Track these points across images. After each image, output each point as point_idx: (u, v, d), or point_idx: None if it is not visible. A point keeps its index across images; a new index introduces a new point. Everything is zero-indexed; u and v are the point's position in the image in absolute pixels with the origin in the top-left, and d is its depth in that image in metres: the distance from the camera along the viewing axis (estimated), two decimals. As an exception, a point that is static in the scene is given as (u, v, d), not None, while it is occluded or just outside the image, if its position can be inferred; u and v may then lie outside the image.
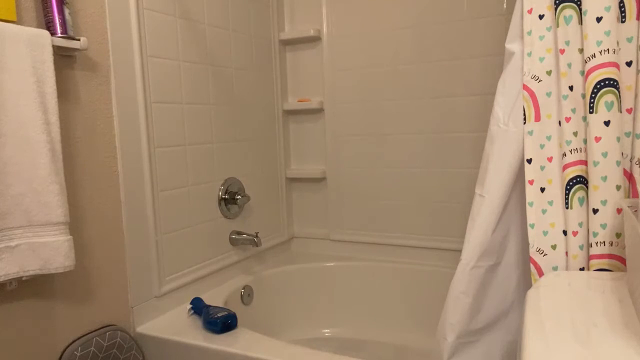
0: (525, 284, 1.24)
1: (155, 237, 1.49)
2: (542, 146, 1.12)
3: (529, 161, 1.13)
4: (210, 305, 1.47)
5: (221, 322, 1.35)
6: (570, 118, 1.07)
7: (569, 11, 1.05)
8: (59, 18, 1.14)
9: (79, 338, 1.26)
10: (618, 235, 1.02)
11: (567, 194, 1.08)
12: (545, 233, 1.12)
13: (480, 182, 1.21)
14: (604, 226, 1.02)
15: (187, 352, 1.33)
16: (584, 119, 1.06)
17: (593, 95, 1.01)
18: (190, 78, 1.63)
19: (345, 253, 2.12)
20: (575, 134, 1.07)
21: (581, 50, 1.05)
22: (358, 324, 1.99)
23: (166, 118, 1.53)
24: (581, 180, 1.06)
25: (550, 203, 1.12)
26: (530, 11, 1.12)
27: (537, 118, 1.12)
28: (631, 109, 1.03)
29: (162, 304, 1.52)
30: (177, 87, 1.57)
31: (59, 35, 1.15)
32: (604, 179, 1.01)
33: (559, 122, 1.10)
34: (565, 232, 1.10)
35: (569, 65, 1.07)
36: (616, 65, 1.00)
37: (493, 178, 1.18)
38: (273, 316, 1.91)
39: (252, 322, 1.63)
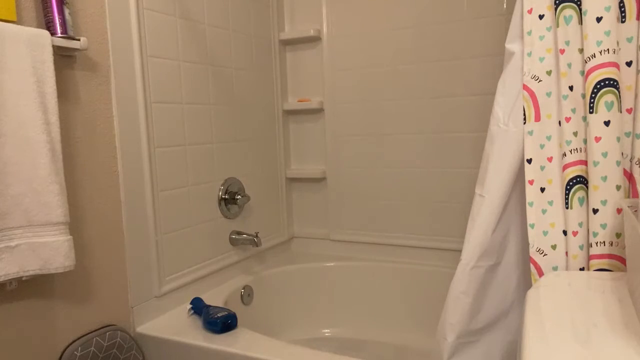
0: (525, 284, 1.24)
1: (155, 237, 1.49)
2: (542, 146, 1.12)
3: (529, 161, 1.13)
4: (210, 305, 1.47)
5: (221, 322, 1.35)
6: (570, 118, 1.07)
7: (569, 11, 1.05)
8: (59, 18, 1.14)
9: (79, 338, 1.26)
10: (618, 235, 1.02)
11: (567, 194, 1.08)
12: (545, 233, 1.12)
13: (480, 182, 1.21)
14: (604, 226, 1.02)
15: (187, 352, 1.33)
16: (584, 119, 1.06)
17: (593, 95, 1.01)
18: (190, 78, 1.63)
19: (345, 253, 2.12)
20: (575, 134, 1.07)
21: (581, 50, 1.05)
22: (358, 324, 1.99)
23: (166, 118, 1.53)
24: (581, 180, 1.06)
25: (550, 203, 1.12)
26: (530, 11, 1.12)
27: (537, 118, 1.12)
28: (631, 109, 1.03)
29: (162, 304, 1.52)
30: (177, 87, 1.57)
31: (59, 35, 1.15)
32: (604, 179, 1.01)
33: (559, 122, 1.10)
34: (565, 232, 1.10)
35: (569, 65, 1.07)
36: (616, 65, 1.00)
37: (493, 178, 1.18)
38: (273, 316, 1.91)
39: (252, 322, 1.63)
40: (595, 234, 1.03)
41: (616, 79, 1.00)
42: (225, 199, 1.78)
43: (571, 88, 1.07)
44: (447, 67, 1.84)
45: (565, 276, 1.02)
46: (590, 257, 1.05)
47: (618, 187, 1.01)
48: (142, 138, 1.44)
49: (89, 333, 1.28)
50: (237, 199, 1.80)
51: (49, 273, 1.11)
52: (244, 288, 1.78)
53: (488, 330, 1.26)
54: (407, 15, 1.89)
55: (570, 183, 1.07)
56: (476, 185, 1.23)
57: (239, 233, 1.84)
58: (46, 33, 1.10)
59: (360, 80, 2.01)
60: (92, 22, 1.29)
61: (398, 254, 2.01)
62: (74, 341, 1.25)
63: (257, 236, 1.80)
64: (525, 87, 1.13)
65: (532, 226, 1.13)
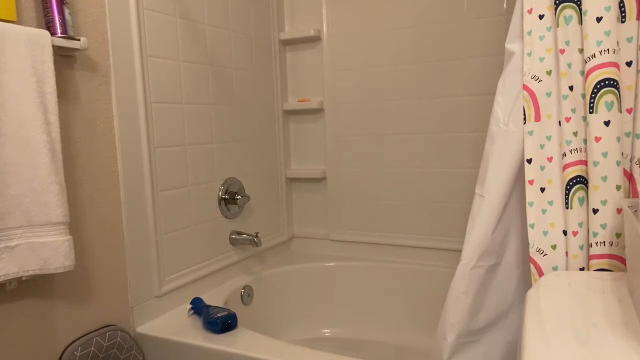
0: (525, 284, 1.24)
1: (155, 237, 1.49)
2: (542, 146, 1.12)
3: (529, 161, 1.13)
4: (210, 305, 1.47)
5: (221, 322, 1.35)
6: (570, 118, 1.07)
7: (569, 11, 1.05)
8: (59, 18, 1.14)
9: (79, 338, 1.26)
10: (618, 235, 1.02)
11: (567, 194, 1.08)
12: (545, 233, 1.12)
13: (480, 182, 1.21)
14: (604, 226, 1.02)
15: (187, 352, 1.33)
16: (584, 119, 1.06)
17: (593, 95, 1.01)
18: (190, 78, 1.63)
19: (345, 253, 2.12)
20: (575, 134, 1.07)
21: (581, 50, 1.05)
22: (358, 324, 1.99)
23: (166, 118, 1.53)
24: (581, 180, 1.06)
25: (550, 203, 1.12)
26: (530, 11, 1.12)
27: (537, 118, 1.12)
28: (631, 109, 1.03)
29: (162, 304, 1.52)
30: (177, 87, 1.57)
31: (59, 35, 1.15)
32: (604, 179, 1.01)
33: (559, 122, 1.10)
34: (565, 232, 1.10)
35: (569, 65, 1.07)
36: (616, 65, 1.00)
37: (493, 178, 1.18)
38: (273, 316, 1.91)
39: (252, 322, 1.63)
40: (595, 234, 1.03)
41: (616, 79, 1.00)
42: (225, 199, 1.78)
43: (571, 88, 1.07)
44: (447, 67, 1.84)
45: (565, 276, 1.02)
46: (590, 257, 1.05)
47: (618, 187, 1.01)
48: (142, 138, 1.44)
49: (89, 333, 1.28)
50: (237, 199, 1.80)
51: (48, 273, 1.11)
52: (244, 288, 1.78)
53: (488, 330, 1.26)
54: (407, 15, 1.89)
55: (570, 183, 1.07)
56: (476, 185, 1.23)
57: (239, 233, 1.84)
58: (46, 33, 1.10)
59: (360, 80, 2.01)
60: (92, 22, 1.29)
61: (398, 254, 2.01)
62: (74, 341, 1.25)
63: (257, 236, 1.80)
64: (525, 87, 1.13)
65: (532, 226, 1.13)
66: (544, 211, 1.12)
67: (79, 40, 1.18)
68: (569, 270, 1.09)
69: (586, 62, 1.02)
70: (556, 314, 0.81)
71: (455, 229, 1.86)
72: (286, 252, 2.20)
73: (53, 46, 1.11)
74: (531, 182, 1.13)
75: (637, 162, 1.02)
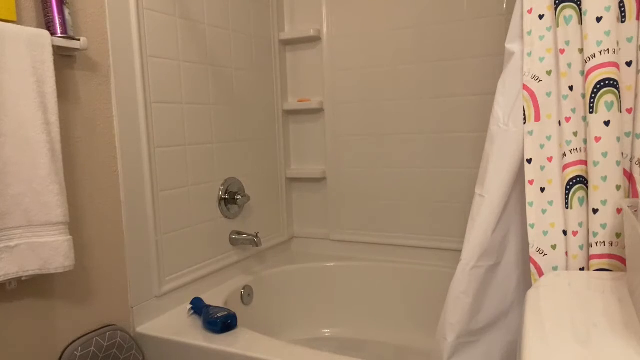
0: (525, 284, 1.24)
1: (155, 237, 1.49)
2: (542, 146, 1.12)
3: (529, 161, 1.13)
4: (210, 305, 1.47)
5: (221, 322, 1.35)
6: (570, 118, 1.07)
7: (569, 11, 1.05)
8: (59, 18, 1.14)
9: (79, 338, 1.26)
10: (618, 235, 1.02)
11: (567, 194, 1.08)
12: (545, 233, 1.12)
13: (480, 182, 1.21)
14: (604, 226, 1.02)
15: (187, 352, 1.33)
16: (584, 119, 1.06)
17: (593, 95, 1.01)
18: (190, 78, 1.63)
19: (345, 253, 2.12)
20: (575, 134, 1.07)
21: (581, 50, 1.05)
22: (358, 324, 1.99)
23: (166, 118, 1.53)
24: (581, 180, 1.06)
25: (550, 203, 1.12)
26: (530, 11, 1.12)
27: (537, 118, 1.12)
28: (631, 109, 1.03)
29: (162, 304, 1.52)
30: (177, 87, 1.57)
31: (59, 35, 1.15)
32: (604, 179, 1.01)
33: (559, 122, 1.10)
34: (565, 232, 1.10)
35: (569, 65, 1.07)
36: (616, 65, 1.00)
37: (493, 178, 1.18)
38: (273, 316, 1.91)
39: (252, 322, 1.63)
40: (595, 234, 1.03)
41: (616, 79, 1.00)
42: (225, 199, 1.78)
43: (571, 88, 1.07)
44: (447, 67, 1.84)
45: (565, 276, 1.02)
46: (590, 257, 1.05)
47: (618, 187, 1.01)
48: (142, 138, 1.44)
49: (89, 333, 1.28)
50: (237, 199, 1.80)
51: (48, 273, 1.11)
52: (244, 288, 1.78)
53: (488, 330, 1.26)
54: (407, 15, 1.89)
55: (570, 183, 1.07)
56: (476, 185, 1.23)
57: (239, 233, 1.84)
58: (46, 33, 1.10)
59: (360, 80, 2.01)
60: (92, 22, 1.29)
61: (398, 254, 2.01)
62: (74, 341, 1.25)
63: (257, 236, 1.80)
64: (525, 87, 1.13)
65: (532, 226, 1.13)
66: (544, 211, 1.12)
67: (79, 40, 1.18)
68: (569, 270, 1.09)
69: (586, 62, 1.02)
70: (556, 314, 0.81)
71: (455, 229, 1.86)
72: (286, 252, 2.20)
73: (53, 46, 1.11)
74: (531, 182, 1.13)
75: (637, 162, 1.02)
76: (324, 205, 2.17)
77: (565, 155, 1.08)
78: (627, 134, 1.04)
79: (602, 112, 1.01)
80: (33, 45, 1.07)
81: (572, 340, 0.71)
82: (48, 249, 1.09)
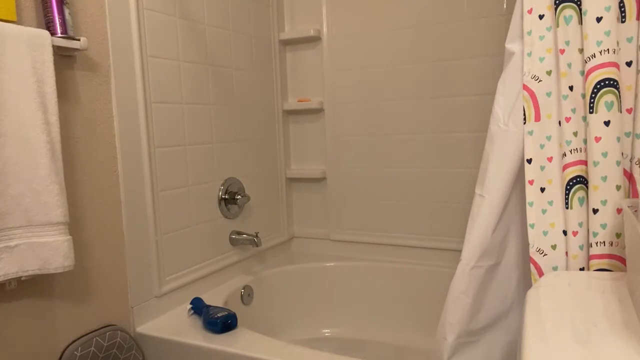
0: (525, 284, 1.24)
1: (155, 237, 1.49)
2: (542, 146, 1.12)
3: (529, 161, 1.13)
4: (210, 305, 1.47)
5: (221, 322, 1.35)
6: (570, 118, 1.07)
7: (569, 11, 1.05)
8: (59, 18, 1.14)
9: (79, 338, 1.26)
10: (618, 235, 1.02)
11: (567, 194, 1.08)
12: (545, 233, 1.12)
13: (480, 182, 1.21)
14: (604, 226, 1.02)
15: (187, 352, 1.33)
16: (584, 119, 1.06)
17: (593, 95, 1.01)
18: (190, 78, 1.63)
19: (345, 253, 2.12)
20: (575, 134, 1.07)
21: (581, 50, 1.05)
22: (358, 324, 1.99)
23: (166, 118, 1.53)
24: (581, 180, 1.06)
25: (550, 203, 1.12)
26: (530, 11, 1.12)
27: (537, 118, 1.12)
28: (631, 109, 1.03)
29: (162, 304, 1.52)
30: (177, 87, 1.57)
31: (59, 35, 1.15)
32: (604, 179, 1.01)
33: (559, 122, 1.10)
34: (565, 232, 1.10)
35: (569, 65, 1.07)
36: (616, 65, 1.00)
37: (493, 178, 1.18)
38: (273, 316, 1.91)
39: (252, 322, 1.63)
40: (595, 234, 1.03)
41: (616, 79, 1.00)
42: (225, 199, 1.78)
43: (571, 88, 1.07)
44: (447, 67, 1.84)
45: (565, 276, 1.02)
46: (590, 257, 1.05)
47: (618, 187, 1.01)
48: (142, 138, 1.44)
49: (89, 333, 1.28)
50: (237, 199, 1.80)
51: (48, 273, 1.11)
52: (244, 288, 1.78)
53: (488, 330, 1.26)
54: (407, 15, 1.89)
55: (570, 183, 1.07)
56: (476, 185, 1.23)
57: (239, 233, 1.84)
58: (46, 33, 1.10)
59: (360, 80, 2.01)
60: (92, 22, 1.29)
61: (398, 254, 2.01)
62: (74, 341, 1.25)
63: (257, 236, 1.80)
64: (525, 87, 1.13)
65: (532, 226, 1.13)
66: (544, 211, 1.12)
67: (79, 40, 1.18)
68: (569, 270, 1.09)
69: (586, 62, 1.02)
70: (556, 314, 0.81)
71: (455, 229, 1.86)
72: (286, 252, 2.20)
73: (53, 46, 1.11)
74: (531, 182, 1.13)
75: (637, 162, 1.02)
76: (324, 205, 2.17)
77: (565, 155, 1.08)
78: (627, 134, 1.04)
79: (602, 112, 1.01)
80: (33, 45, 1.07)
81: (572, 340, 0.71)
82: (48, 249, 1.09)
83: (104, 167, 1.33)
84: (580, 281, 0.97)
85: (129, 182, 1.40)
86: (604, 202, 1.02)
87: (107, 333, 1.30)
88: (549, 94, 1.11)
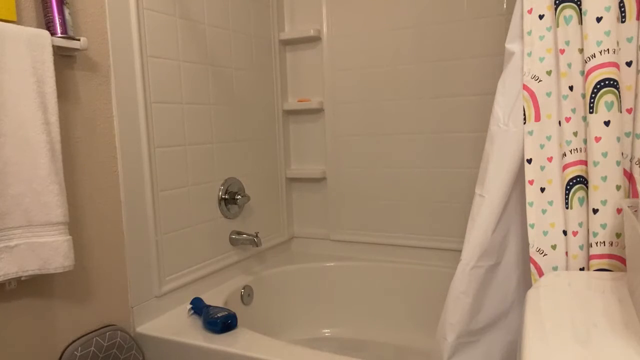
0: (525, 284, 1.24)
1: (155, 237, 1.49)
2: (542, 146, 1.12)
3: (529, 161, 1.13)
4: (210, 305, 1.47)
5: (221, 322, 1.35)
6: (570, 118, 1.07)
7: (569, 11, 1.05)
8: (59, 18, 1.14)
9: (79, 338, 1.26)
10: (618, 235, 1.02)
11: (567, 194, 1.08)
12: (545, 233, 1.12)
13: (480, 182, 1.21)
14: (604, 226, 1.02)
15: (187, 352, 1.33)
16: (584, 119, 1.06)
17: (593, 95, 1.01)
18: (190, 78, 1.63)
19: (345, 253, 2.12)
20: (575, 134, 1.07)
21: (581, 50, 1.05)
22: (358, 324, 1.99)
23: (166, 118, 1.53)
24: (581, 180, 1.06)
25: (550, 203, 1.12)
26: (530, 11, 1.12)
27: (537, 118, 1.12)
28: (631, 109, 1.03)
29: (162, 304, 1.52)
30: (177, 87, 1.57)
31: (59, 35, 1.15)
32: (604, 179, 1.01)
33: (559, 122, 1.10)
34: (565, 232, 1.10)
35: (569, 65, 1.07)
36: (616, 65, 1.00)
37: (493, 178, 1.18)
38: (273, 316, 1.91)
39: (252, 322, 1.63)
40: (595, 234, 1.03)
41: (616, 79, 1.00)
42: (225, 199, 1.78)
43: (571, 88, 1.07)
44: (447, 67, 1.84)
45: (565, 276, 1.02)
46: (590, 257, 1.05)
47: (618, 187, 1.01)
48: (142, 138, 1.44)
49: (89, 333, 1.28)
50: (237, 199, 1.80)
51: (48, 273, 1.11)
52: (244, 288, 1.78)
53: (488, 330, 1.26)
54: (407, 15, 1.89)
55: (570, 183, 1.07)
56: (476, 185, 1.23)
57: (239, 233, 1.84)
58: (46, 33, 1.10)
59: (360, 80, 2.01)
60: (92, 22, 1.29)
61: (398, 254, 2.01)
62: (74, 341, 1.25)
63: (257, 236, 1.80)
64: (525, 87, 1.13)
65: (532, 226, 1.13)
66: (544, 211, 1.12)
67: (79, 40, 1.18)
68: (569, 270, 1.09)
69: (586, 62, 1.02)
70: (556, 314, 0.81)
71: (455, 229, 1.86)
72: (286, 252, 2.20)
73: (53, 46, 1.11)
74: (531, 182, 1.13)
75: (637, 162, 1.02)
76: (324, 205, 2.17)
77: (565, 155, 1.08)
78: (627, 134, 1.04)
79: (602, 112, 1.01)
80: (33, 45, 1.07)
81: (572, 340, 0.71)
82: (48, 249, 1.09)
83: (104, 167, 1.33)
84: (580, 281, 0.97)
85: (129, 182, 1.40)
86: (604, 202, 1.02)
87: (107, 333, 1.30)
88: (549, 94, 1.11)
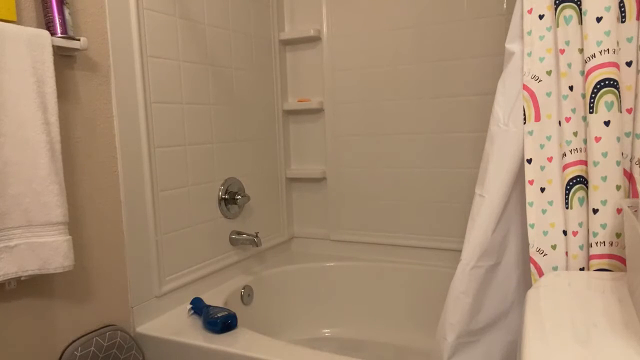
0: (525, 284, 1.24)
1: (155, 237, 1.49)
2: (542, 146, 1.12)
3: (529, 161, 1.13)
4: (210, 305, 1.47)
5: (221, 322, 1.35)
6: (570, 118, 1.07)
7: (569, 11, 1.05)
8: (59, 18, 1.14)
9: (79, 338, 1.26)
10: (618, 235, 1.02)
11: (567, 194, 1.08)
12: (545, 233, 1.12)
13: (480, 182, 1.21)
14: (604, 226, 1.02)
15: (187, 352, 1.33)
16: (584, 119, 1.06)
17: (593, 95, 1.01)
18: (190, 78, 1.63)
19: (345, 253, 2.12)
20: (575, 134, 1.07)
21: (581, 50, 1.05)
22: (358, 324, 1.99)
23: (166, 118, 1.53)
24: (581, 180, 1.06)
25: (550, 203, 1.12)
26: (530, 11, 1.12)
27: (537, 118, 1.12)
28: (631, 109, 1.03)
29: (162, 304, 1.52)
30: (177, 87, 1.57)
31: (59, 35, 1.14)
32: (604, 179, 1.01)
33: (559, 122, 1.10)
34: (565, 232, 1.10)
35: (569, 65, 1.07)
36: (616, 65, 1.00)
37: (493, 178, 1.18)
38: (273, 316, 1.91)
39: (252, 322, 1.63)
40: (595, 234, 1.03)
41: (616, 79, 1.00)
42: (225, 199, 1.78)
43: (571, 88, 1.07)
44: (447, 67, 1.84)
45: (565, 276, 1.02)
46: (590, 257, 1.05)
47: (618, 187, 1.01)
48: (142, 138, 1.44)
49: (89, 333, 1.28)
50: (237, 199, 1.80)
51: (48, 273, 1.11)
52: (244, 288, 1.78)
53: (488, 330, 1.26)
54: (407, 15, 1.89)
55: (570, 183, 1.07)
56: (476, 185, 1.23)
57: (239, 233, 1.84)
58: (46, 33, 1.10)
59: (360, 80, 2.01)
60: (92, 22, 1.29)
61: (398, 254, 2.01)
62: (74, 341, 1.25)
63: (257, 236, 1.80)
64: (525, 87, 1.13)
65: (532, 226, 1.13)
66: (544, 211, 1.12)
67: (79, 40, 1.18)
68: (569, 270, 1.09)
69: (586, 62, 1.02)
70: (556, 314, 0.81)
71: (455, 229, 1.86)
72: (286, 252, 2.20)
73: (53, 46, 1.11)
74: (531, 182, 1.13)
75: (637, 162, 1.02)
76: (324, 205, 2.17)
77: (565, 155, 1.08)
78: (627, 134, 1.04)
79: (602, 112, 1.01)
80: (33, 45, 1.07)
81: (572, 340, 0.71)
82: (47, 249, 1.09)
83: (104, 167, 1.33)
84: (580, 281, 0.97)
85: (129, 182, 1.40)
86: (604, 202, 1.02)
87: (107, 333, 1.30)
88: (549, 94, 1.11)
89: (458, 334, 1.22)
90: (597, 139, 1.01)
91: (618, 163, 1.01)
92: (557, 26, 1.07)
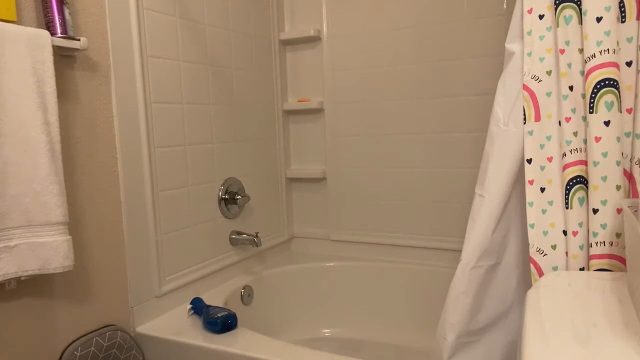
0: (525, 284, 1.24)
1: (155, 237, 1.49)
2: (542, 146, 1.12)
3: (529, 161, 1.13)
4: (210, 305, 1.47)
5: (221, 322, 1.35)
6: (570, 118, 1.07)
7: (569, 11, 1.05)
8: (59, 18, 1.14)
9: (79, 338, 1.26)
10: (618, 235, 1.02)
11: (567, 194, 1.08)
12: (545, 233, 1.12)
13: (480, 182, 1.21)
14: (604, 226, 1.02)
15: (187, 352, 1.33)
16: (584, 119, 1.06)
17: (593, 95, 1.01)
18: (190, 78, 1.63)
19: (345, 253, 2.12)
20: (575, 134, 1.07)
21: (581, 50, 1.05)
22: (358, 324, 1.99)
23: (166, 118, 1.53)
24: (581, 180, 1.06)
25: (550, 203, 1.12)
26: (530, 11, 1.12)
27: (537, 118, 1.12)
28: (631, 109, 1.03)
29: (162, 304, 1.52)
30: (177, 87, 1.57)
31: (59, 35, 1.14)
32: (604, 179, 1.01)
33: (559, 122, 1.10)
34: (565, 232, 1.10)
35: (569, 65, 1.07)
36: (616, 65, 1.00)
37: (493, 178, 1.18)
38: (273, 316, 1.91)
39: (252, 322, 1.63)
40: (595, 234, 1.03)
41: (616, 79, 1.00)
42: (225, 199, 1.78)
43: (571, 88, 1.07)
44: (447, 67, 1.84)
45: (565, 276, 1.02)
46: (590, 257, 1.05)
47: (618, 187, 1.01)
48: (142, 138, 1.44)
49: (89, 333, 1.28)
50: (237, 199, 1.80)
51: (48, 273, 1.11)
52: (244, 288, 1.78)
53: (488, 330, 1.26)
54: (407, 15, 1.89)
55: (570, 183, 1.07)
56: (476, 185, 1.23)
57: (239, 233, 1.84)
58: (46, 33, 1.10)
59: (360, 80, 2.01)
60: (92, 22, 1.29)
61: (398, 254, 2.01)
62: (74, 341, 1.25)
63: (257, 236, 1.80)
64: (525, 87, 1.13)
65: (532, 226, 1.13)
66: (544, 211, 1.12)
67: (79, 40, 1.18)
68: (569, 270, 1.09)
69: (586, 62, 1.02)
70: (556, 314, 0.81)
71: (455, 229, 1.86)
72: (286, 252, 2.20)
73: (53, 46, 1.11)
74: (531, 182, 1.13)
75: (637, 162, 1.02)
76: (324, 205, 2.17)
77: (565, 155, 1.08)
78: (627, 134, 1.04)
79: (602, 112, 1.01)
80: (33, 45, 1.07)
81: (572, 340, 0.71)
82: (47, 249, 1.09)
83: (104, 167, 1.33)
84: (580, 281, 0.97)
85: (129, 182, 1.40)
86: (604, 202, 1.02)
87: (107, 333, 1.30)
88: (549, 94, 1.11)
89: (458, 334, 1.22)
90: (597, 139, 1.01)
91: (618, 163, 1.01)
92: (557, 26, 1.07)
